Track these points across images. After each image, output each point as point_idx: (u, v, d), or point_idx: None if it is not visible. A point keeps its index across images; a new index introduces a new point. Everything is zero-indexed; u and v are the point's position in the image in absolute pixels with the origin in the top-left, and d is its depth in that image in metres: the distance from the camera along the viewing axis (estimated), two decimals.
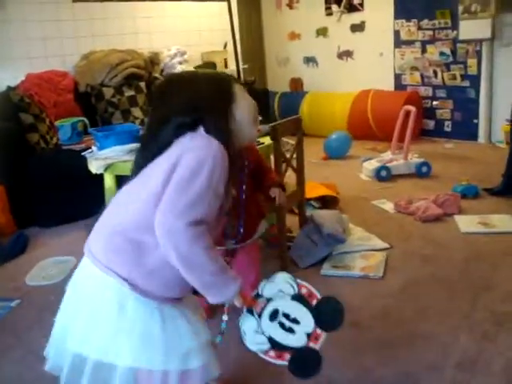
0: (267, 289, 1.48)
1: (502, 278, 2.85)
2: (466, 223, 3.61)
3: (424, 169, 4.77)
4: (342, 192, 4.28)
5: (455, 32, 5.78)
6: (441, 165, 4.97)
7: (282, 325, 1.44)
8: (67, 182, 4.00)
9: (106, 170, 3.07)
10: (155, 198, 1.41)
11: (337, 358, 2.20)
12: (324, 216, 3.36)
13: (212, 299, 1.46)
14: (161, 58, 5.75)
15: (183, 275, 1.41)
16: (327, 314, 1.43)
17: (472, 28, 5.57)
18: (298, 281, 1.48)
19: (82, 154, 3.34)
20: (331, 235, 3.14)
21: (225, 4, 5.91)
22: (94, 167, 3.08)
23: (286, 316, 1.44)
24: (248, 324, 1.47)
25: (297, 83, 7.46)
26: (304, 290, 1.46)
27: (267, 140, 3.12)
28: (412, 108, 4.77)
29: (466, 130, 6.02)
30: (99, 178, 3.18)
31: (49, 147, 4.24)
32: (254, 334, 1.47)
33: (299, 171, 3.33)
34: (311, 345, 1.41)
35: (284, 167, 3.13)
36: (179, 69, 5.68)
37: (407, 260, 3.14)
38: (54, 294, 2.98)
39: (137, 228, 1.44)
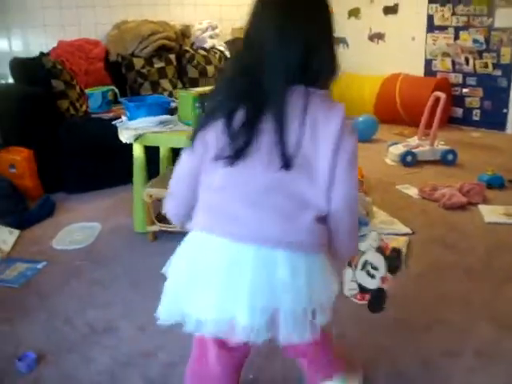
0: (363, 243, 1.75)
1: None
2: (490, 213, 3.59)
3: (450, 156, 4.73)
4: (366, 175, 4.27)
5: (491, 19, 5.68)
6: (467, 153, 4.93)
7: (367, 272, 1.73)
8: (95, 149, 4.06)
9: (135, 140, 3.11)
10: (324, 182, 1.36)
11: (354, 335, 2.23)
12: None
13: (352, 252, 1.61)
14: (192, 32, 5.75)
15: (344, 232, 1.44)
16: (393, 260, 1.75)
17: (508, 16, 5.47)
18: (382, 236, 1.78)
19: (113, 122, 3.38)
20: None
21: None
22: (125, 137, 3.11)
23: (371, 265, 1.74)
24: (347, 275, 1.74)
25: None
26: (382, 243, 1.77)
27: None
28: (442, 94, 4.72)
29: (494, 119, 5.95)
30: (127, 147, 3.21)
31: (78, 115, 4.28)
32: (349, 282, 1.75)
33: None
34: (382, 286, 1.74)
35: None
36: (209, 43, 5.68)
37: (429, 246, 3.14)
38: (79, 259, 3.06)
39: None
